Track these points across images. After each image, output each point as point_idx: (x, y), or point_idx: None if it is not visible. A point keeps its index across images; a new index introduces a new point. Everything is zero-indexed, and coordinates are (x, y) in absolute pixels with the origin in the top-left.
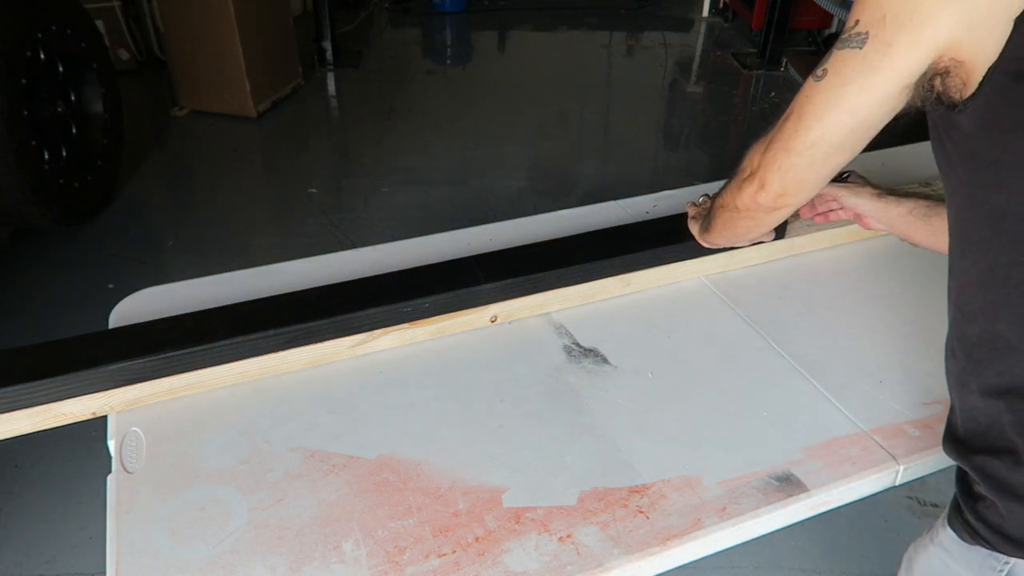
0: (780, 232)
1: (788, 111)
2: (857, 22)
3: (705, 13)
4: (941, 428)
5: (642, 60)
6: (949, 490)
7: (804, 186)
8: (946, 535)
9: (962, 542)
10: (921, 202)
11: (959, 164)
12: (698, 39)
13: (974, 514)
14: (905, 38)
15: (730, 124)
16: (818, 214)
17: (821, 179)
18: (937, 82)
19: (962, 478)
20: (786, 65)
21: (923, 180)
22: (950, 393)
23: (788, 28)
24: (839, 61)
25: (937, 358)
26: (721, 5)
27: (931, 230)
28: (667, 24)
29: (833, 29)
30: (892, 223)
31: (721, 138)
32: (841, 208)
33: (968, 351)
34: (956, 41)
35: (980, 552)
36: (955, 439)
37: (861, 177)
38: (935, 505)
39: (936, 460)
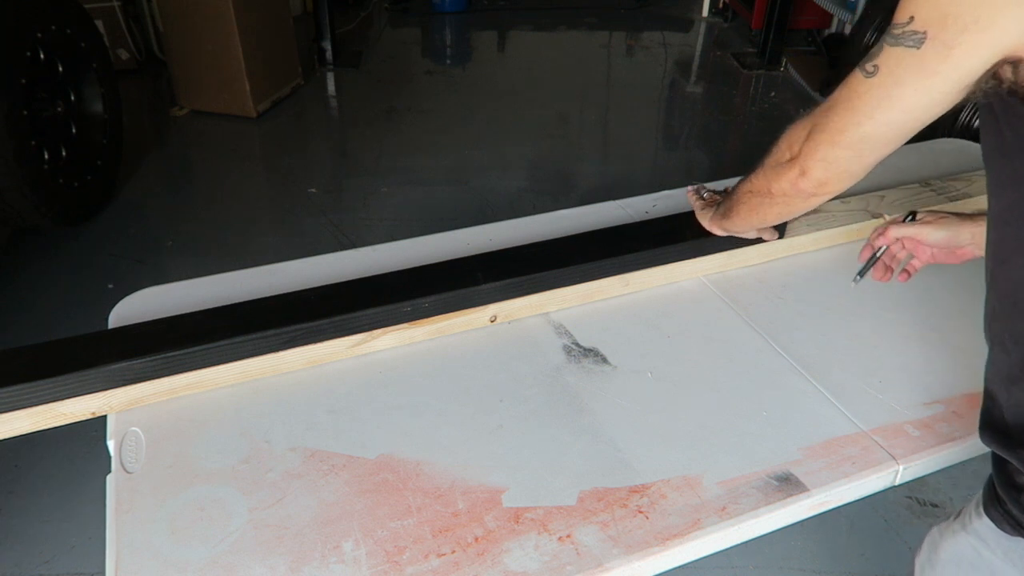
0: (780, 232)
1: (833, 101)
2: (912, 19)
3: (705, 13)
4: (941, 428)
5: (642, 60)
6: (949, 490)
7: (848, 176)
8: (982, 524)
9: (1001, 532)
10: None
11: (1019, 155)
12: (698, 39)
13: (1017, 505)
14: (968, 40)
15: (730, 124)
16: (901, 272)
17: (865, 169)
18: (1007, 71)
19: (1001, 468)
20: (786, 65)
21: (923, 180)
22: (990, 386)
23: (788, 28)
24: (892, 59)
25: (937, 358)
26: (721, 5)
27: None
28: (667, 24)
29: (833, 29)
30: None
31: (721, 138)
32: (917, 252)
33: (1023, 346)
34: (1022, 39)
35: (1021, 543)
36: (999, 430)
37: (929, 212)
38: (935, 505)
39: (936, 460)
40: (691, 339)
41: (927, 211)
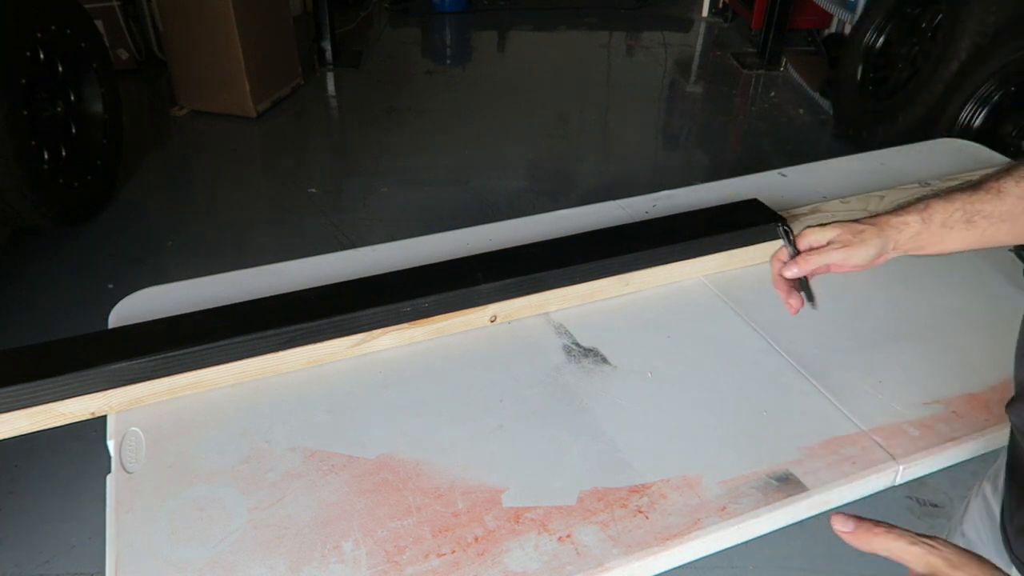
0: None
1: None
2: None
3: (705, 13)
4: (941, 428)
5: (642, 60)
6: (949, 490)
7: None
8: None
9: None
10: (945, 204)
11: None
12: (698, 39)
13: None
14: None
15: (730, 124)
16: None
17: None
18: None
19: None
20: (785, 65)
21: (922, 180)
22: None
23: (788, 28)
24: None
25: (937, 358)
26: (720, 5)
27: (975, 231)
28: (667, 24)
29: (833, 29)
30: (924, 245)
31: (721, 138)
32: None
33: None
34: None
35: None
36: None
37: (824, 228)
38: (935, 505)
39: (936, 460)
40: (691, 339)
41: (816, 227)
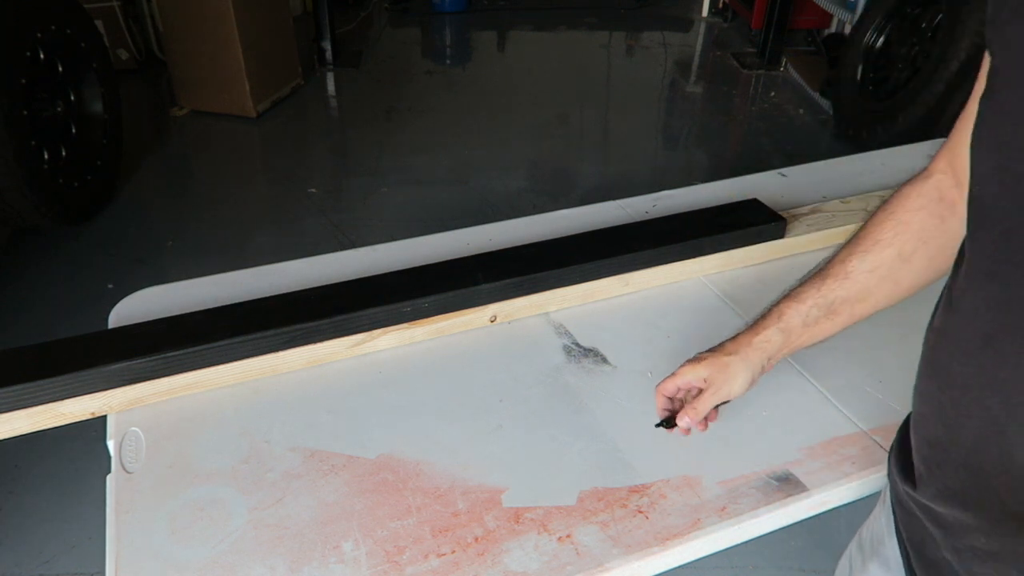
0: (780, 232)
1: None
2: None
3: (705, 13)
4: None
5: (642, 60)
6: None
7: None
8: None
9: None
10: (798, 305)
11: None
12: (697, 39)
13: None
14: None
15: (730, 124)
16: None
17: None
18: None
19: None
20: (785, 65)
21: None
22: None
23: (788, 28)
24: None
25: None
26: (720, 5)
27: (840, 317)
28: (667, 24)
29: (833, 29)
30: (796, 348)
31: (721, 138)
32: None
33: None
34: None
35: None
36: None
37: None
38: None
39: None
40: (691, 339)
41: (689, 365)
